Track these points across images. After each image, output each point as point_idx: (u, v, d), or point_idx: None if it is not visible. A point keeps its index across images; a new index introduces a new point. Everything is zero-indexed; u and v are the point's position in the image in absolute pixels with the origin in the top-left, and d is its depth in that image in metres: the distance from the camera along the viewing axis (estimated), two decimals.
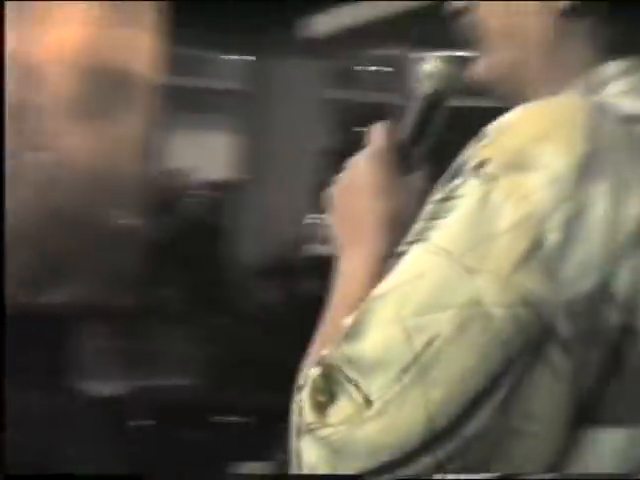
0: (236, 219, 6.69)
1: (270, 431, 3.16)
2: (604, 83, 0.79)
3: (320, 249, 6.95)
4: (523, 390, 0.66)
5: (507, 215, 0.67)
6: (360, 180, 0.87)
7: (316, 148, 6.94)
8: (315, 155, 6.89)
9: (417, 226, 0.73)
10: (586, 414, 0.69)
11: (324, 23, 6.08)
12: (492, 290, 0.66)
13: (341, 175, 0.90)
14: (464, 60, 0.89)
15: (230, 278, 6.14)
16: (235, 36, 6.14)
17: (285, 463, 0.70)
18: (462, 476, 0.67)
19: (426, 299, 0.67)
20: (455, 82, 0.90)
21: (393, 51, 8.91)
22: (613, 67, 0.79)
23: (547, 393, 0.67)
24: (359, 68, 9.71)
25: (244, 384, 4.48)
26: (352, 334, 0.70)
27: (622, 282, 0.68)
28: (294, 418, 0.71)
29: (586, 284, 0.67)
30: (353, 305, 0.74)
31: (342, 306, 0.79)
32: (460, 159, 0.74)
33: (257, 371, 4.55)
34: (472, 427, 0.65)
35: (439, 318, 0.66)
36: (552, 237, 0.67)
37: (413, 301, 0.68)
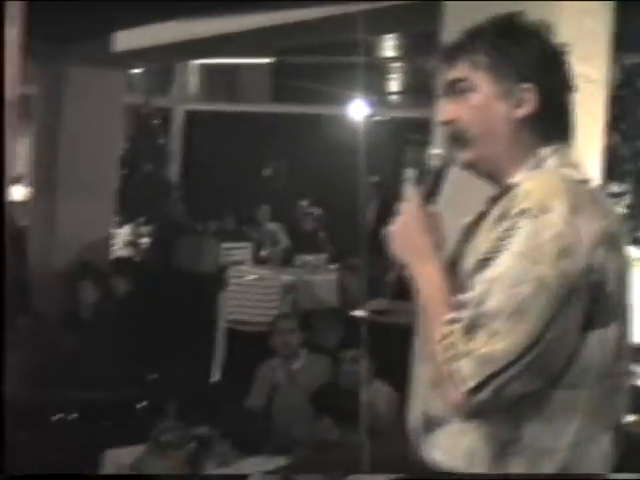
0: (40, 223, 6.62)
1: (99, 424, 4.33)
2: (542, 161, 1.55)
3: (124, 252, 7.57)
4: (563, 317, 1.40)
5: (547, 234, 1.40)
6: (413, 223, 1.56)
7: (116, 154, 6.88)
8: (115, 161, 6.82)
9: (484, 245, 1.46)
10: (584, 325, 1.45)
11: (129, 38, 6.22)
12: (546, 271, 1.38)
13: (395, 221, 1.58)
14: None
15: (38, 282, 6.35)
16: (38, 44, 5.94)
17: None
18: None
19: (515, 279, 1.39)
20: (451, 160, 1.63)
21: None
22: (545, 150, 1.56)
23: (571, 315, 1.42)
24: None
25: (67, 383, 4.80)
26: (478, 302, 1.41)
27: (596, 261, 1.43)
28: (445, 355, 1.41)
29: (582, 263, 1.41)
30: (441, 295, 1.48)
31: (436, 298, 1.50)
32: (498, 211, 1.50)
33: (78, 369, 4.97)
34: (546, 340, 1.38)
35: (523, 288, 1.38)
36: (572, 239, 1.40)
37: (508, 281, 1.39)
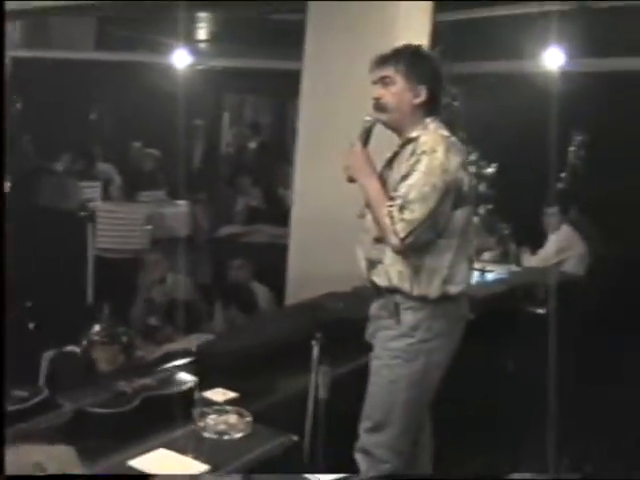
0: None
1: None
2: (427, 125, 3.00)
3: None
4: (443, 202, 2.87)
5: (436, 162, 2.84)
6: (360, 157, 3.00)
7: None
8: None
9: (404, 169, 2.90)
10: (453, 207, 2.94)
11: None
12: (436, 180, 2.83)
13: (348, 154, 3.01)
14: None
15: None
16: None
17: None
18: None
19: (424, 184, 2.83)
20: (375, 123, 3.03)
21: None
22: (429, 119, 3.03)
23: (447, 202, 2.89)
24: None
25: None
26: (404, 196, 2.84)
27: (458, 176, 2.89)
28: (387, 222, 2.85)
29: (452, 177, 2.86)
30: (381, 194, 2.91)
31: (377, 195, 2.91)
32: (408, 152, 2.96)
33: None
34: (436, 212, 2.87)
35: (425, 188, 2.82)
36: (447, 165, 2.84)
37: (418, 185, 2.84)
